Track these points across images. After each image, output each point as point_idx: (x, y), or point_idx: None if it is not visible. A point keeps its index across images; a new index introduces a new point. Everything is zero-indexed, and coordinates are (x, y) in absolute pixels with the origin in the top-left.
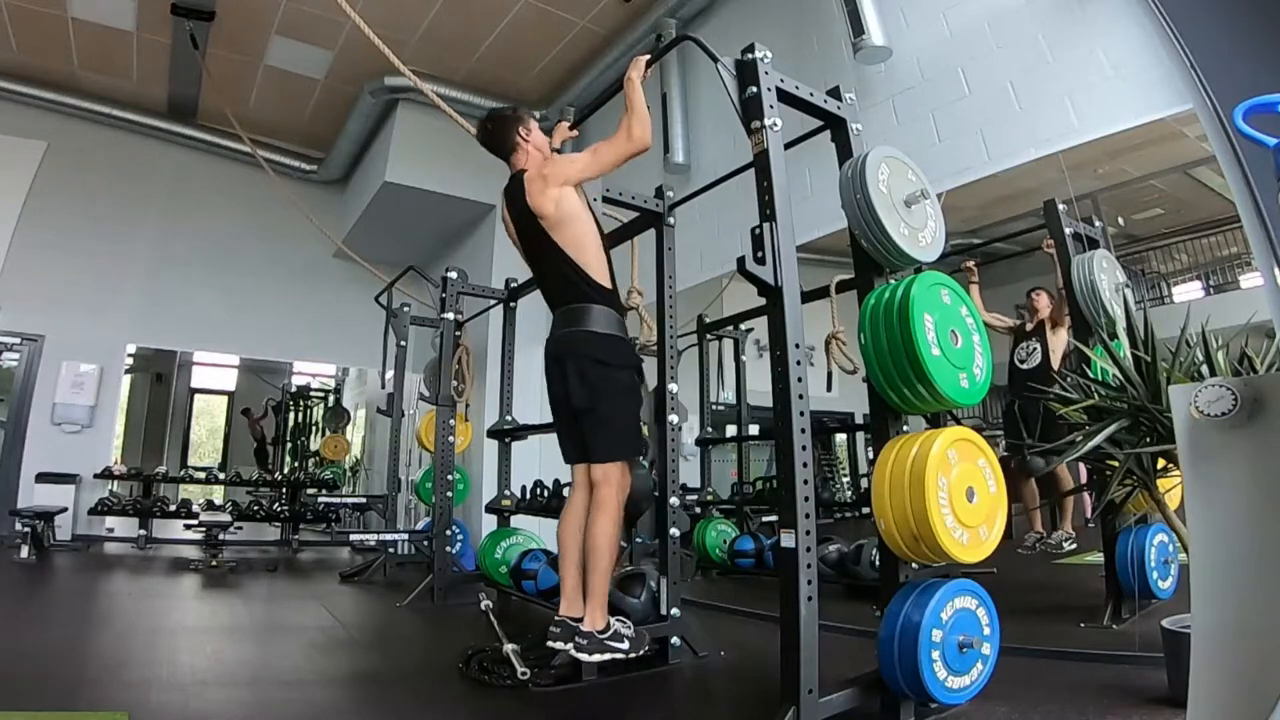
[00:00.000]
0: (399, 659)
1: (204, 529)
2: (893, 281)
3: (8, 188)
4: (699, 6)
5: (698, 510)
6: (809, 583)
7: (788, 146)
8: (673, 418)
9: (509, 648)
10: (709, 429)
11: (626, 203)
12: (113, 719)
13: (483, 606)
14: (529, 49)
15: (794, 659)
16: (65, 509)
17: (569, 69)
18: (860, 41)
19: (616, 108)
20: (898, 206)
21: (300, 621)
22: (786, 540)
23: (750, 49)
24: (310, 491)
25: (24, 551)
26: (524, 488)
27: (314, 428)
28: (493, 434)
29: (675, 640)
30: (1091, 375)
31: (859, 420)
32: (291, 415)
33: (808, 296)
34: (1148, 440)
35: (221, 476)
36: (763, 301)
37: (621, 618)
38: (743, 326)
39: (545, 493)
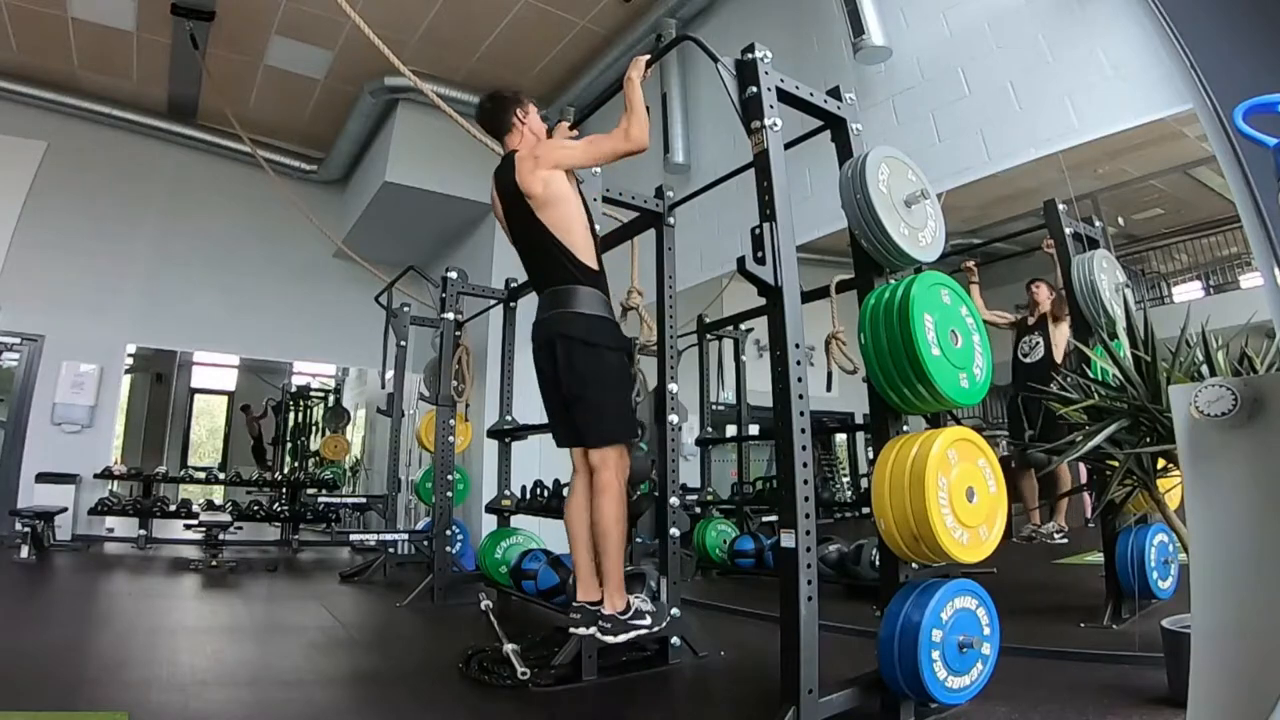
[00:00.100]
0: (399, 659)
1: (204, 529)
2: (893, 281)
3: (8, 188)
4: (699, 6)
5: (698, 510)
6: (809, 583)
7: (788, 146)
8: (673, 418)
9: (509, 648)
10: (709, 429)
11: (626, 203)
12: (113, 719)
13: (483, 606)
14: (529, 49)
15: (794, 659)
16: (65, 509)
17: (569, 69)
18: (860, 41)
19: (616, 108)
20: (898, 206)
21: (300, 621)
22: (786, 540)
23: (750, 49)
24: (310, 491)
25: (24, 551)
26: (524, 488)
27: (314, 428)
28: (493, 434)
29: (675, 640)
30: (1091, 375)
31: (859, 420)
32: (291, 415)
33: (808, 296)
34: (1148, 440)
35: (221, 476)
36: (763, 301)
37: (640, 595)
38: (743, 326)
39: (545, 493)
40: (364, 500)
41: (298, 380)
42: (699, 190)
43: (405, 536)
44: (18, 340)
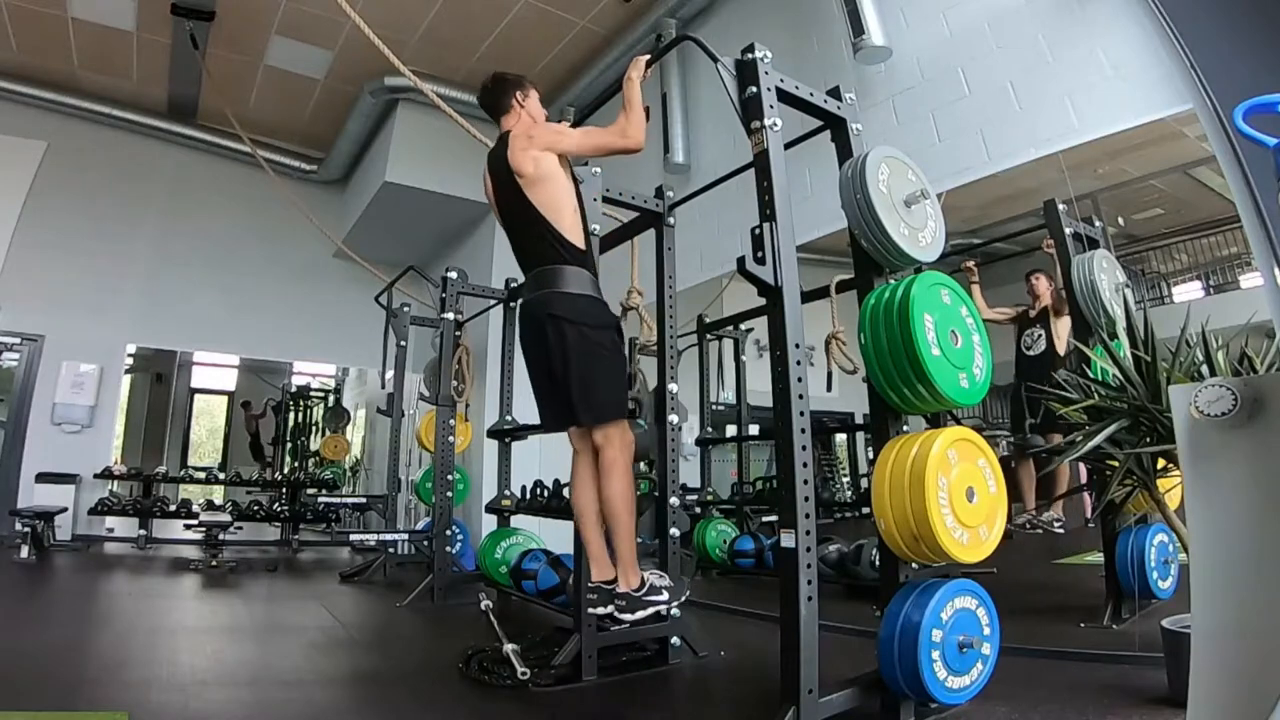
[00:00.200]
0: (399, 659)
1: (204, 529)
2: (893, 281)
3: (8, 188)
4: (699, 6)
5: (698, 510)
6: (809, 583)
7: (788, 146)
8: (673, 418)
9: (509, 648)
10: (709, 429)
11: (626, 203)
12: (113, 719)
13: (483, 606)
14: (529, 49)
15: (794, 659)
16: (65, 509)
17: (569, 69)
18: (860, 41)
19: (616, 108)
20: (898, 206)
21: (300, 621)
22: (786, 540)
23: (750, 49)
24: (310, 491)
25: (24, 551)
26: (524, 488)
27: (314, 428)
28: (493, 434)
29: (675, 640)
30: (1092, 375)
31: (859, 420)
32: (291, 415)
33: (808, 296)
34: (1148, 440)
35: (221, 476)
36: (763, 301)
37: (655, 570)
38: (743, 326)
39: (545, 493)
40: (364, 500)
41: (298, 380)
42: (699, 190)
43: (405, 536)
44: (18, 340)
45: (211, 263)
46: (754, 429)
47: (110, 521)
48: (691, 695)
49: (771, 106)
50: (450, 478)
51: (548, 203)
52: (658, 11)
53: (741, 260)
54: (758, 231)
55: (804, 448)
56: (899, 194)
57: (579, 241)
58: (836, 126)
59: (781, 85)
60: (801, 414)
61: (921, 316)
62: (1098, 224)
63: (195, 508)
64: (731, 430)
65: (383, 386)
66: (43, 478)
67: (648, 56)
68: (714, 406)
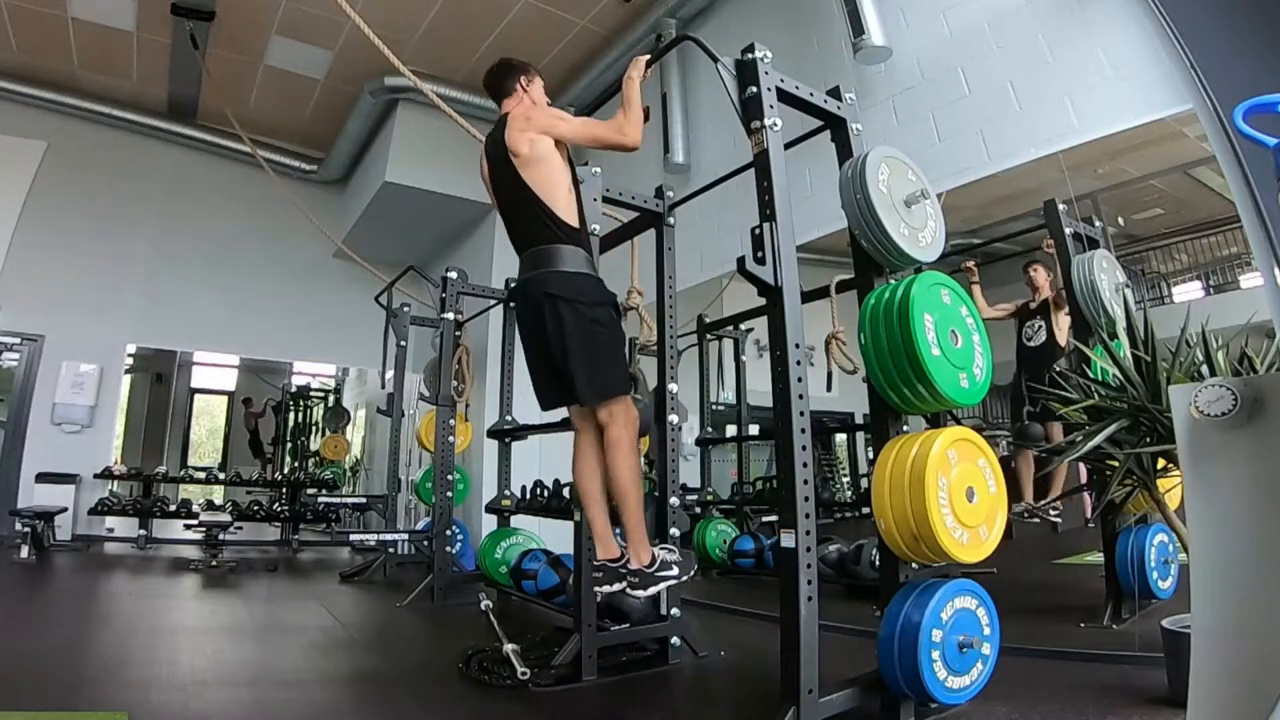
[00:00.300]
0: (399, 659)
1: (204, 529)
2: (893, 281)
3: (8, 188)
4: (699, 6)
5: (698, 510)
6: (809, 583)
7: (788, 146)
8: (673, 418)
9: (509, 648)
10: (709, 429)
11: (626, 203)
12: (113, 719)
13: (483, 606)
14: (529, 49)
15: (794, 659)
16: (65, 509)
17: (569, 69)
18: (860, 41)
19: (616, 108)
20: (898, 206)
21: (300, 621)
22: (786, 540)
23: (750, 49)
24: (310, 491)
25: (24, 551)
26: (524, 488)
27: (314, 428)
28: (493, 434)
29: (675, 640)
30: (1092, 375)
31: (859, 420)
32: (291, 415)
33: (808, 296)
34: (1148, 440)
35: (221, 476)
36: (763, 301)
37: (665, 545)
38: (743, 326)
39: (545, 493)
40: (364, 500)
41: (298, 380)
42: (699, 190)
43: (405, 536)
44: (18, 340)
45: (211, 263)
46: (754, 429)
47: (110, 521)
48: (691, 695)
49: (771, 106)
50: (450, 478)
51: (542, 182)
52: (658, 11)
53: (741, 260)
54: (758, 231)
55: (804, 448)
56: (899, 194)
57: (573, 220)
58: (836, 126)
59: (781, 85)
60: (801, 414)
61: (921, 316)
62: (1098, 224)
63: (195, 508)
64: (731, 430)
65: (383, 386)
66: (43, 478)
67: (648, 56)
68: (714, 406)
